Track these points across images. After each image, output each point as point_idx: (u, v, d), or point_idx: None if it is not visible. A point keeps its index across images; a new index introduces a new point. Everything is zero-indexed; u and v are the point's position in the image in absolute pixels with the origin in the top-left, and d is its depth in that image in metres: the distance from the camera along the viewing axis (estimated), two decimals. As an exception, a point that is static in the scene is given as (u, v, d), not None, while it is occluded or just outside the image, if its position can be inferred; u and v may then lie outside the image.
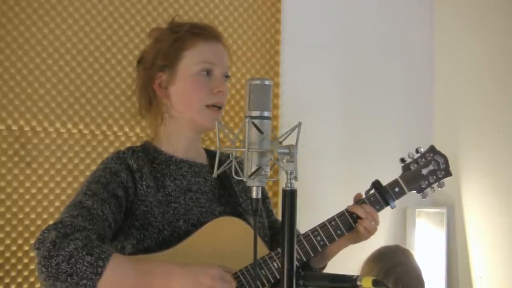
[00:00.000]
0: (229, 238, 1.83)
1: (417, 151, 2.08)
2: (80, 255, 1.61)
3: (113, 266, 1.62)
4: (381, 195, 2.00)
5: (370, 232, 1.96)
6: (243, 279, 1.81)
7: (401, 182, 2.03)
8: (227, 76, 1.93)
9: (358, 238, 1.99)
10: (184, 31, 1.91)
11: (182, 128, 1.93)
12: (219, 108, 1.90)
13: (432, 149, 2.09)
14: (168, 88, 1.91)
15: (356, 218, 1.96)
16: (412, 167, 2.06)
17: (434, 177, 2.06)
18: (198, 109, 1.88)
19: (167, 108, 1.92)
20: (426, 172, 2.06)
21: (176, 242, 1.79)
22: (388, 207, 2.02)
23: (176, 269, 1.66)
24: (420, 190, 2.06)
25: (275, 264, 1.85)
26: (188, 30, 1.91)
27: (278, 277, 1.84)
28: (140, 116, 1.98)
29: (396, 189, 2.02)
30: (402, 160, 2.07)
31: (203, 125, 1.91)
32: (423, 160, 2.06)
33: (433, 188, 2.07)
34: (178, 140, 1.94)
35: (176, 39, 1.90)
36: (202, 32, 1.91)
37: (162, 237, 1.79)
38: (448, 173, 2.08)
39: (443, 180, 2.07)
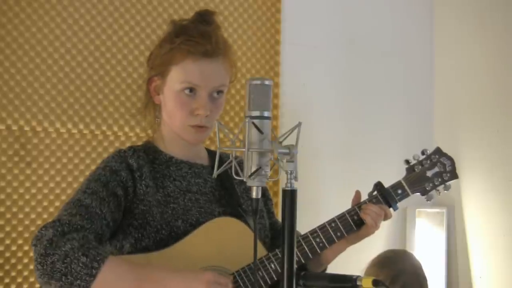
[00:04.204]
0: (226, 238, 1.83)
1: (422, 153, 2.03)
2: (75, 255, 1.62)
3: (108, 269, 1.63)
4: (383, 197, 1.97)
5: (376, 226, 1.94)
6: (239, 280, 1.81)
7: (404, 184, 1.99)
8: (220, 92, 1.88)
9: (358, 238, 1.97)
10: (177, 44, 1.86)
11: (174, 133, 1.92)
12: (203, 127, 1.87)
13: (438, 151, 2.04)
14: (160, 95, 1.91)
15: (358, 219, 1.94)
16: (416, 169, 2.01)
17: (440, 179, 2.01)
18: (180, 127, 1.87)
19: (159, 112, 1.93)
20: (431, 174, 2.01)
21: (174, 242, 1.79)
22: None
23: (171, 275, 1.67)
24: (424, 192, 2.01)
25: (273, 266, 1.83)
26: (182, 42, 1.86)
27: (275, 278, 1.83)
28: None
29: (399, 191, 1.98)
30: (407, 161, 2.03)
31: (186, 141, 1.90)
32: (428, 162, 2.02)
33: (438, 190, 2.02)
34: (175, 142, 1.93)
35: (170, 49, 1.87)
36: (192, 49, 1.84)
37: (160, 236, 1.79)
38: (454, 176, 2.03)
39: (449, 182, 2.03)
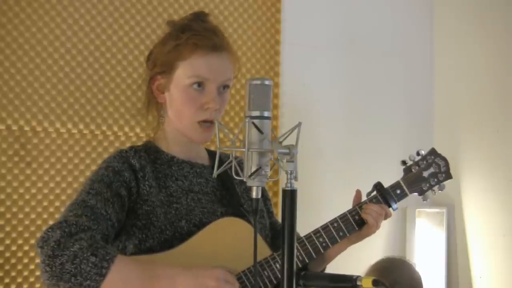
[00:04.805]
0: (231, 239, 1.83)
1: (418, 154, 2.07)
2: (85, 255, 1.61)
3: (117, 268, 1.62)
4: (383, 197, 2.00)
5: (377, 226, 1.96)
6: (245, 280, 1.81)
7: (403, 184, 2.03)
8: (226, 86, 1.88)
9: (360, 238, 1.98)
10: (184, 39, 1.86)
11: (178, 132, 1.92)
12: (212, 122, 1.86)
13: (433, 152, 2.09)
14: (164, 93, 1.90)
15: (359, 219, 1.95)
16: (413, 170, 2.05)
17: (435, 180, 2.06)
18: (188, 125, 1.86)
19: (164, 111, 1.92)
20: (427, 175, 2.05)
21: (178, 242, 1.79)
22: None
23: (180, 272, 1.66)
24: (422, 193, 2.05)
25: (278, 265, 1.84)
26: (189, 37, 1.86)
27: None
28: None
29: (398, 191, 2.02)
30: (404, 162, 2.07)
31: (192, 139, 1.90)
32: (424, 162, 2.06)
33: (434, 190, 2.06)
34: (177, 142, 1.92)
35: (175, 46, 1.86)
36: (200, 43, 1.84)
37: (164, 237, 1.79)
38: (448, 176, 2.08)
39: (444, 182, 2.07)
